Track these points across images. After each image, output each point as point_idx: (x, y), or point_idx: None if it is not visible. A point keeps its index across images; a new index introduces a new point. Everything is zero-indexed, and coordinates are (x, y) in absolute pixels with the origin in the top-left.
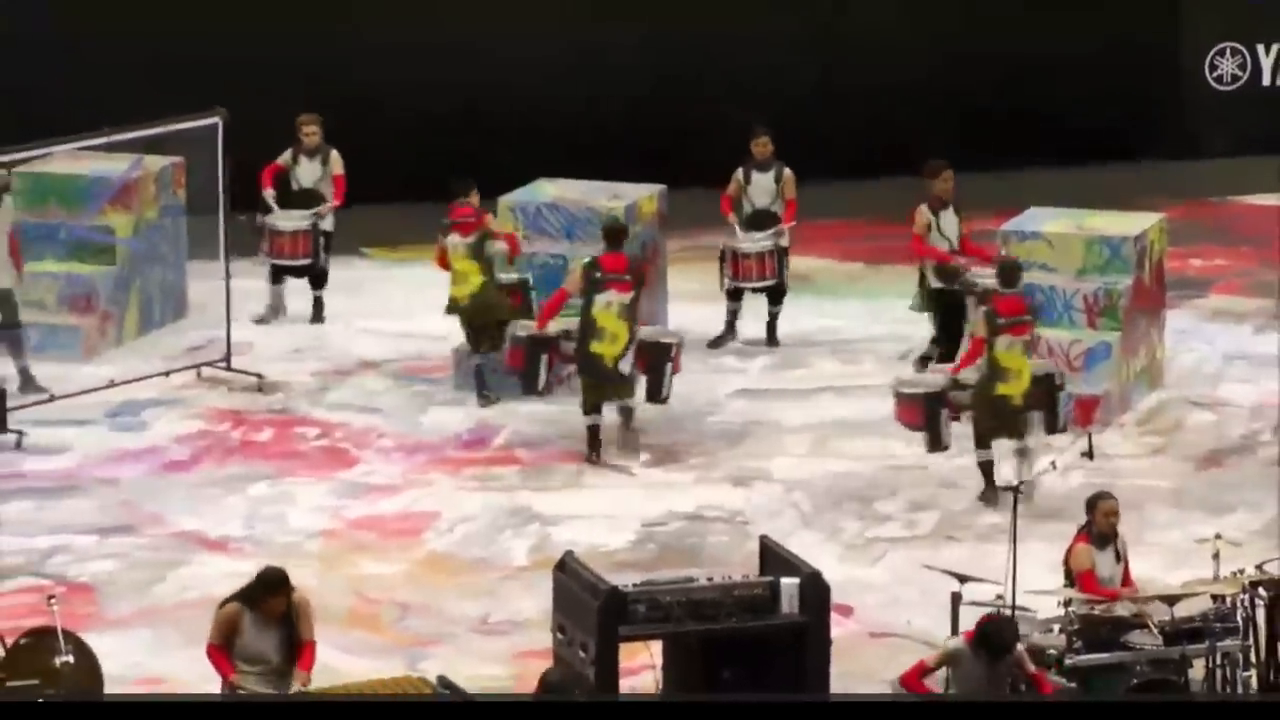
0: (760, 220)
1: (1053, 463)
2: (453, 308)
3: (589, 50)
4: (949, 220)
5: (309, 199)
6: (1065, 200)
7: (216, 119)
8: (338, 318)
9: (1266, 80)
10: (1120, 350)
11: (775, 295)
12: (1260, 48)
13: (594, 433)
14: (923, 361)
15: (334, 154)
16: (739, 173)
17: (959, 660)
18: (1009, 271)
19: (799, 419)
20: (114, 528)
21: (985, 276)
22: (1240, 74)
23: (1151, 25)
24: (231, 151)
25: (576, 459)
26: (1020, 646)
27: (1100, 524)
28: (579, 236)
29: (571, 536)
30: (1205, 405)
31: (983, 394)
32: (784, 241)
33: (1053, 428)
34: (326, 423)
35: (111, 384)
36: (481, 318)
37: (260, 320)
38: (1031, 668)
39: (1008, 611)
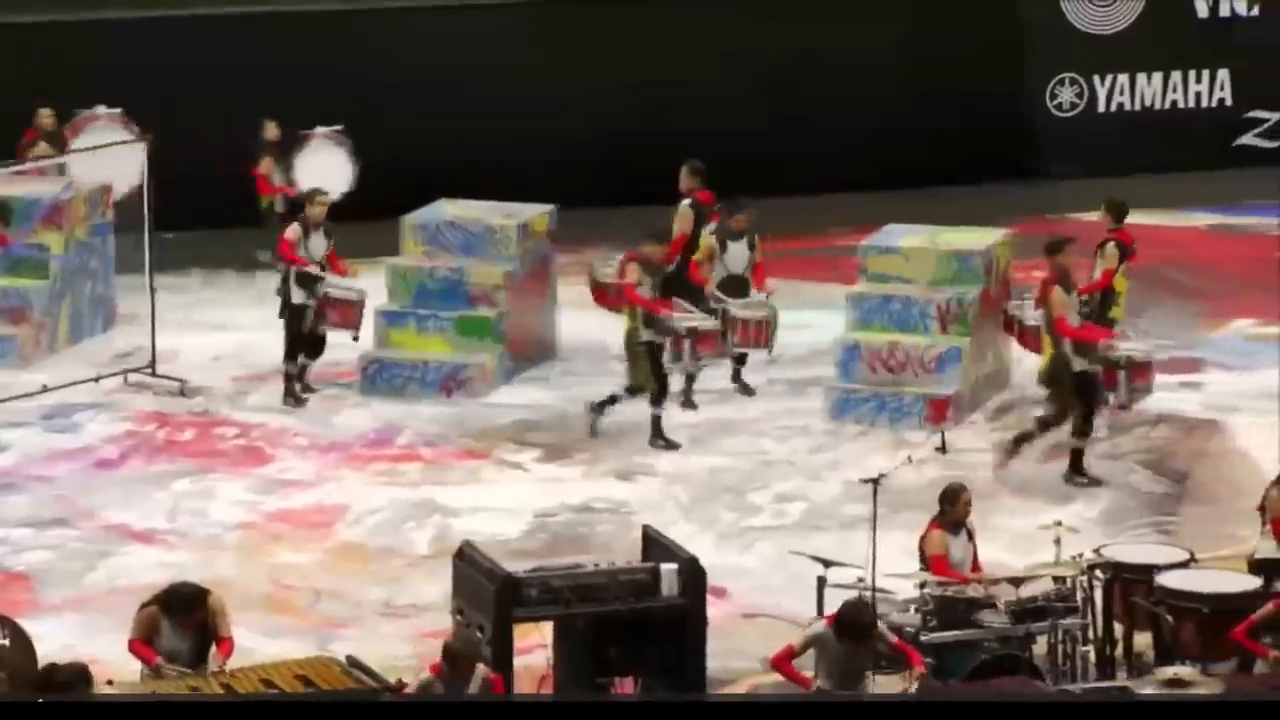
0: (736, 286)
1: (909, 457)
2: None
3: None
4: (1075, 296)
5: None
6: (923, 218)
7: (142, 142)
8: (255, 327)
9: (1102, 108)
10: (970, 354)
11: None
12: (1096, 78)
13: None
14: (1016, 443)
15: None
16: (713, 240)
17: (823, 643)
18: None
19: (679, 419)
20: (49, 521)
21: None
22: (1078, 102)
23: (998, 59)
24: (155, 173)
25: (474, 456)
26: (880, 625)
27: (957, 513)
28: (476, 252)
29: (470, 527)
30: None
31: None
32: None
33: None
34: (245, 424)
35: (45, 389)
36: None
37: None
38: (894, 639)
39: (867, 594)
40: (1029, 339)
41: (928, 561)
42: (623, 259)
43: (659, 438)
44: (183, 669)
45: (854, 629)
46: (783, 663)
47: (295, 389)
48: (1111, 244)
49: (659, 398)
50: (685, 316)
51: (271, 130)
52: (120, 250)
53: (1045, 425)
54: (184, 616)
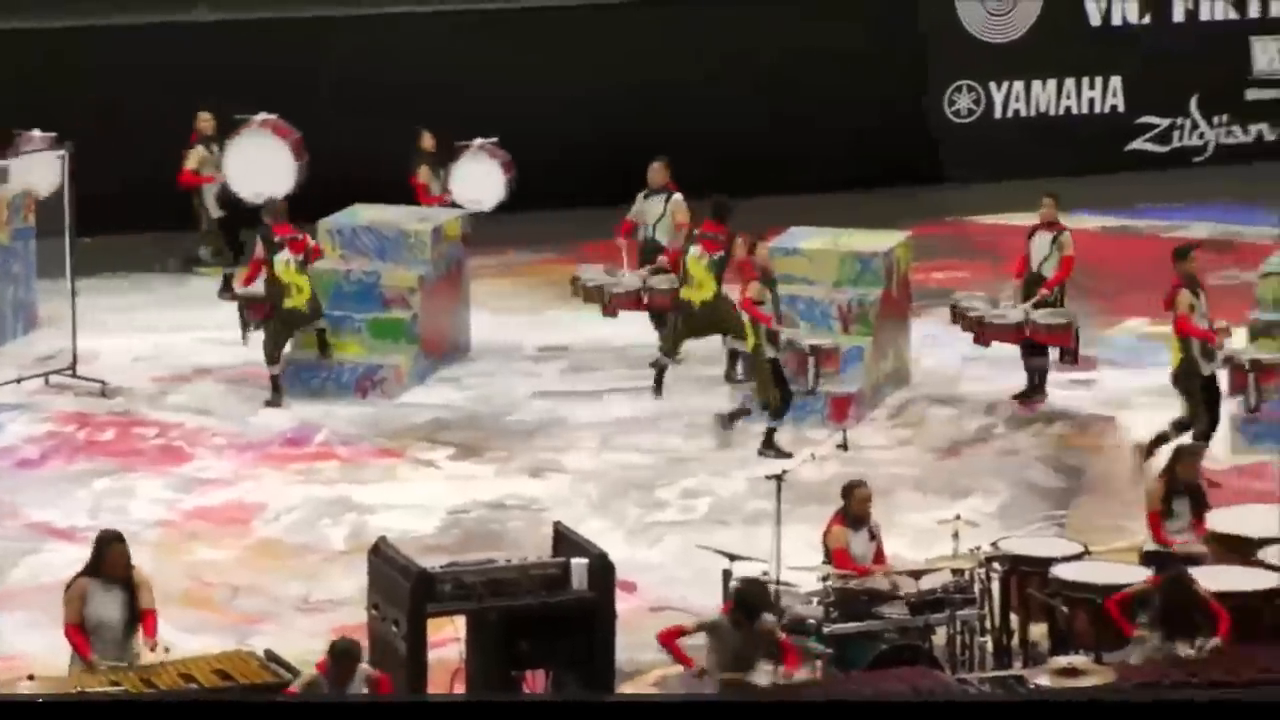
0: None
1: (812, 454)
2: (292, 317)
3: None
4: (1204, 299)
5: None
6: (827, 221)
7: (63, 151)
8: (174, 329)
9: (998, 114)
10: (871, 353)
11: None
12: (992, 85)
13: (662, 371)
14: (1153, 445)
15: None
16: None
17: (717, 630)
18: None
19: (588, 417)
20: None
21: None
22: (975, 108)
23: (898, 66)
24: (75, 180)
25: (389, 454)
26: (770, 616)
27: (855, 509)
28: (390, 256)
29: (385, 523)
30: (946, 402)
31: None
32: None
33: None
34: (164, 423)
35: None
36: (316, 322)
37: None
38: (781, 636)
39: (769, 583)
40: (988, 335)
41: (830, 555)
42: (746, 270)
43: (770, 448)
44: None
45: (748, 605)
46: (670, 639)
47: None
48: (1068, 233)
49: (780, 412)
50: (801, 334)
51: (427, 140)
52: (41, 255)
53: (1180, 427)
54: (107, 559)
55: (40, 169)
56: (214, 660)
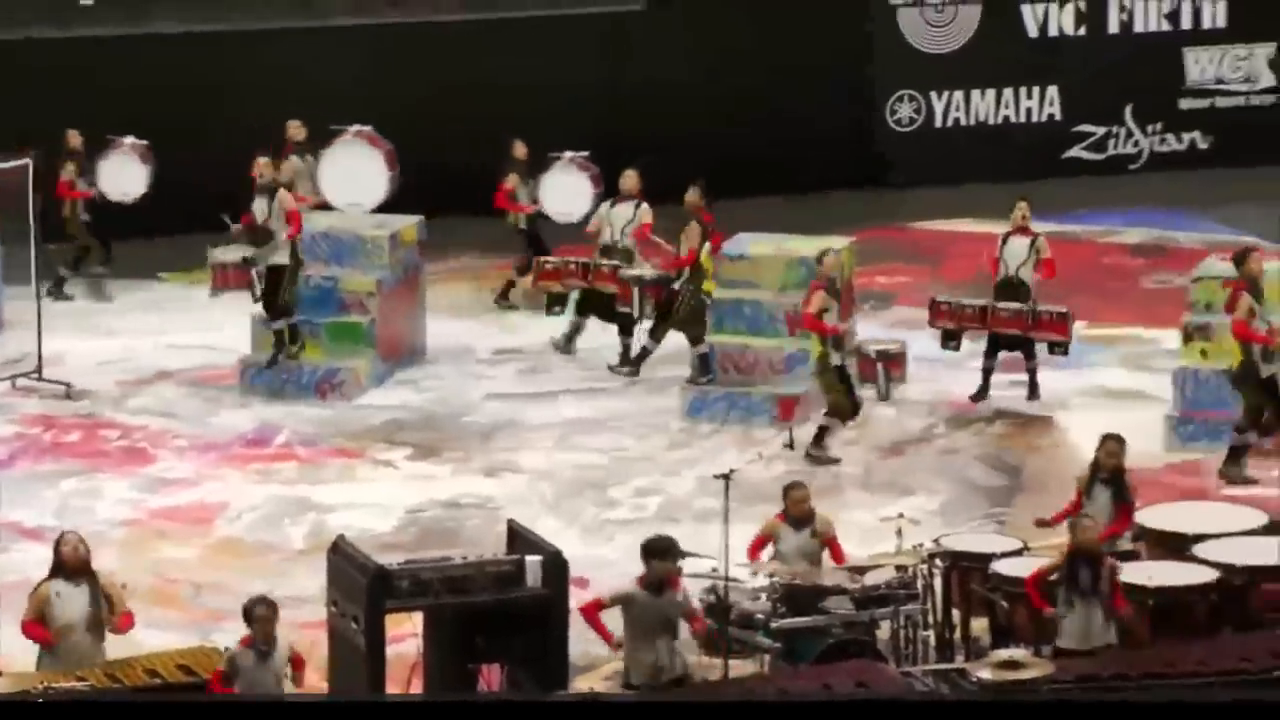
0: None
1: (759, 453)
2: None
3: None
4: (1263, 304)
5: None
6: (774, 225)
7: (27, 161)
8: (138, 334)
9: (939, 123)
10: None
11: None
12: (933, 94)
13: (705, 359)
14: (1234, 455)
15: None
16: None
17: (631, 601)
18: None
19: (542, 418)
20: None
21: None
22: (916, 117)
23: (844, 76)
24: (39, 189)
25: (348, 455)
26: (686, 590)
27: (792, 509)
28: (348, 262)
29: (344, 522)
30: (890, 402)
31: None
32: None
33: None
34: (128, 425)
35: None
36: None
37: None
38: (696, 608)
39: (720, 583)
40: (995, 322)
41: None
42: (812, 284)
43: (818, 448)
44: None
45: (655, 548)
46: (590, 612)
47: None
48: (694, 222)
49: (850, 417)
50: (872, 341)
51: (519, 149)
52: (8, 262)
53: (1242, 429)
54: (65, 556)
55: (129, 172)
56: (178, 656)
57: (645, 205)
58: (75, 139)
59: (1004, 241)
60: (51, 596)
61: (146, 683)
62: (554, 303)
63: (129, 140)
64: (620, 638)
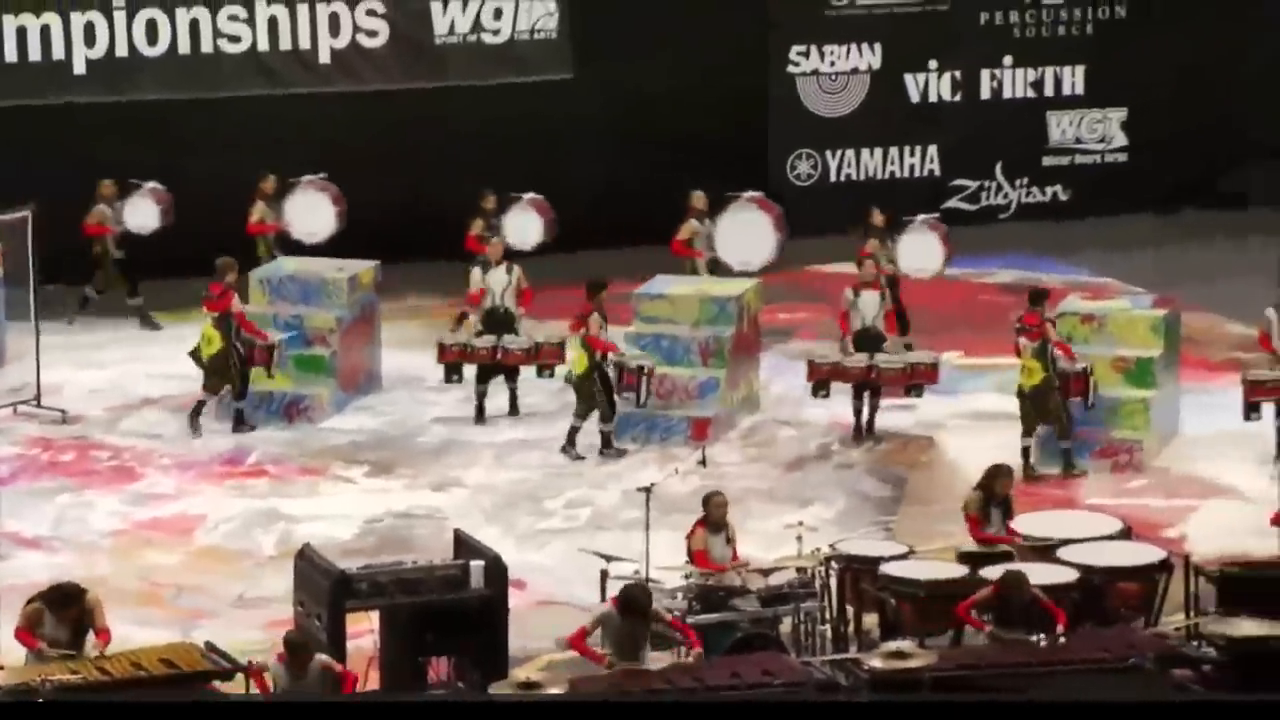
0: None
1: (676, 469)
2: (198, 361)
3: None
4: None
5: None
6: (689, 269)
7: (26, 212)
8: (126, 364)
9: (833, 178)
10: (726, 383)
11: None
12: (828, 152)
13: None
14: None
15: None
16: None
17: (608, 622)
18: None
19: (483, 439)
20: None
21: None
22: (813, 173)
23: (747, 137)
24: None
25: (312, 472)
26: (656, 606)
27: (713, 514)
28: (312, 301)
29: (309, 531)
30: (791, 424)
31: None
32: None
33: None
34: (117, 446)
35: None
36: (218, 373)
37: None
38: (669, 617)
39: (644, 581)
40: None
41: (692, 556)
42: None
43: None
44: (63, 651)
45: (634, 607)
46: (578, 642)
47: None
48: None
49: (610, 418)
50: (633, 355)
51: (489, 200)
52: (10, 300)
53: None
54: (63, 610)
55: (314, 209)
56: (161, 651)
57: (517, 268)
58: (109, 188)
59: (855, 295)
60: (44, 618)
61: (133, 675)
62: (452, 372)
63: (149, 185)
64: (611, 658)
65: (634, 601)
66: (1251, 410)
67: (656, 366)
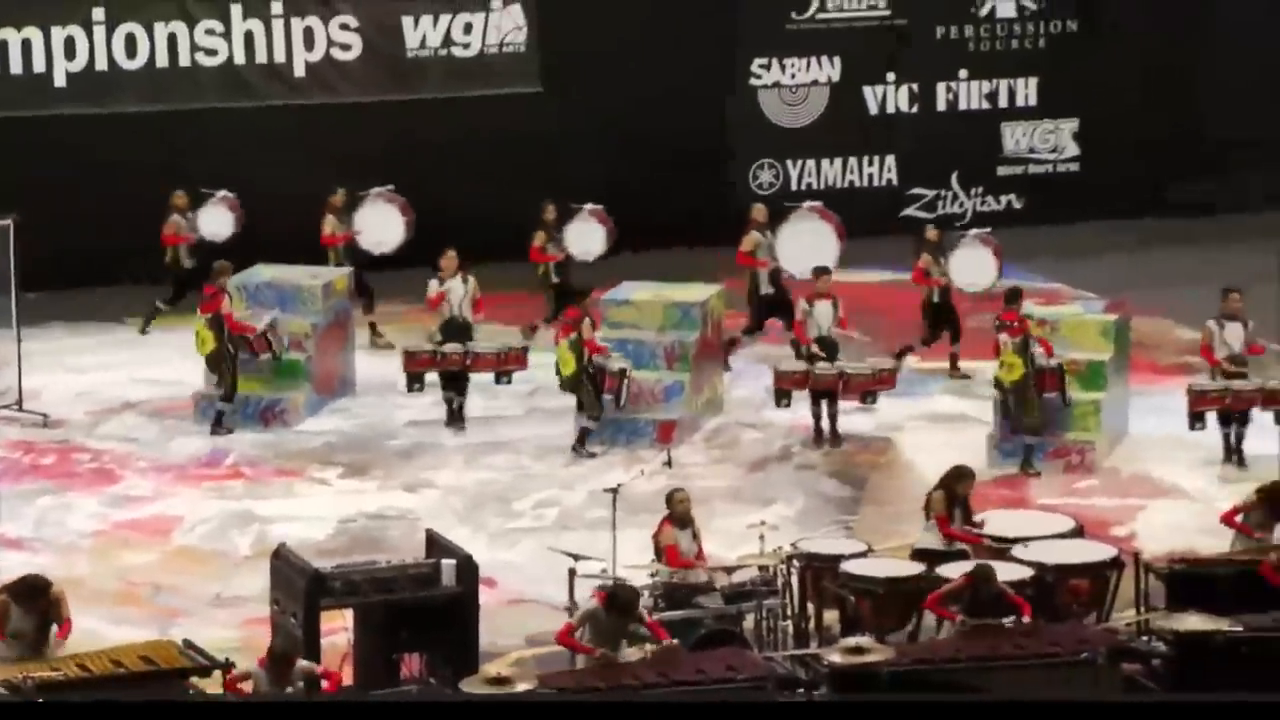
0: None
1: (642, 470)
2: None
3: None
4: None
5: None
6: (656, 275)
7: (8, 223)
8: (105, 370)
9: (794, 187)
10: (690, 387)
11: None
12: (789, 162)
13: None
14: None
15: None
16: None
17: (594, 618)
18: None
19: (454, 441)
20: None
21: None
22: (775, 182)
23: (711, 147)
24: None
25: (288, 474)
26: (643, 611)
27: (677, 510)
28: (288, 308)
29: (284, 532)
30: (753, 426)
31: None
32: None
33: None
34: (97, 450)
35: None
36: (215, 370)
37: None
38: (648, 618)
39: (615, 580)
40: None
41: (663, 552)
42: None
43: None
44: (24, 645)
45: (620, 603)
46: (566, 637)
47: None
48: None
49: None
50: (615, 358)
51: (550, 211)
52: None
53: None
54: (30, 603)
55: (385, 220)
56: (140, 648)
57: (472, 278)
58: (181, 199)
59: (810, 305)
60: (10, 610)
61: (112, 671)
62: (414, 381)
63: (220, 193)
64: (602, 651)
65: (621, 599)
66: (1196, 420)
67: (632, 370)
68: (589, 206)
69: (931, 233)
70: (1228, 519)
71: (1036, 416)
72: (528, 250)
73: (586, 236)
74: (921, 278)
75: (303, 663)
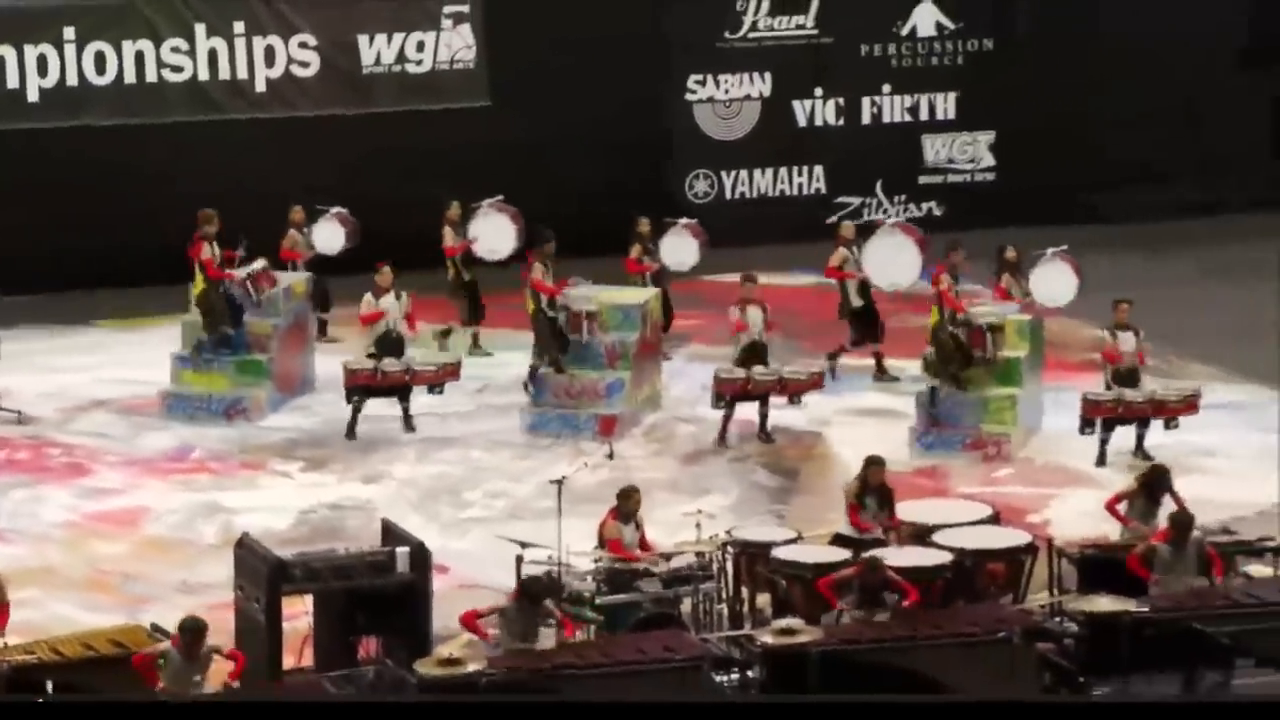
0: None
1: (585, 462)
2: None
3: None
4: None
5: None
6: (599, 278)
7: None
8: (76, 370)
9: (728, 195)
10: (631, 384)
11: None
12: (723, 172)
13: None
14: None
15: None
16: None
17: (505, 613)
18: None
19: (408, 436)
20: None
21: None
22: (710, 191)
23: (650, 158)
24: None
25: (251, 467)
26: (550, 602)
27: (628, 507)
28: (250, 310)
29: (248, 522)
30: (689, 421)
31: None
32: None
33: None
34: (69, 445)
35: None
36: (205, 313)
37: None
38: (559, 614)
39: (553, 569)
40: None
41: (606, 543)
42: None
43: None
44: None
45: (531, 593)
46: (469, 620)
47: None
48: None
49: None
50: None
51: (454, 209)
52: None
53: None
54: None
55: (498, 229)
56: (110, 632)
57: (405, 294)
58: (299, 214)
59: (742, 311)
60: None
61: (84, 654)
62: (353, 394)
63: (334, 209)
64: (495, 639)
65: (529, 590)
66: (1086, 425)
67: (601, 313)
68: (684, 221)
69: (1011, 252)
70: (1110, 507)
71: (954, 366)
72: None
73: (681, 249)
74: (836, 273)
75: (211, 643)
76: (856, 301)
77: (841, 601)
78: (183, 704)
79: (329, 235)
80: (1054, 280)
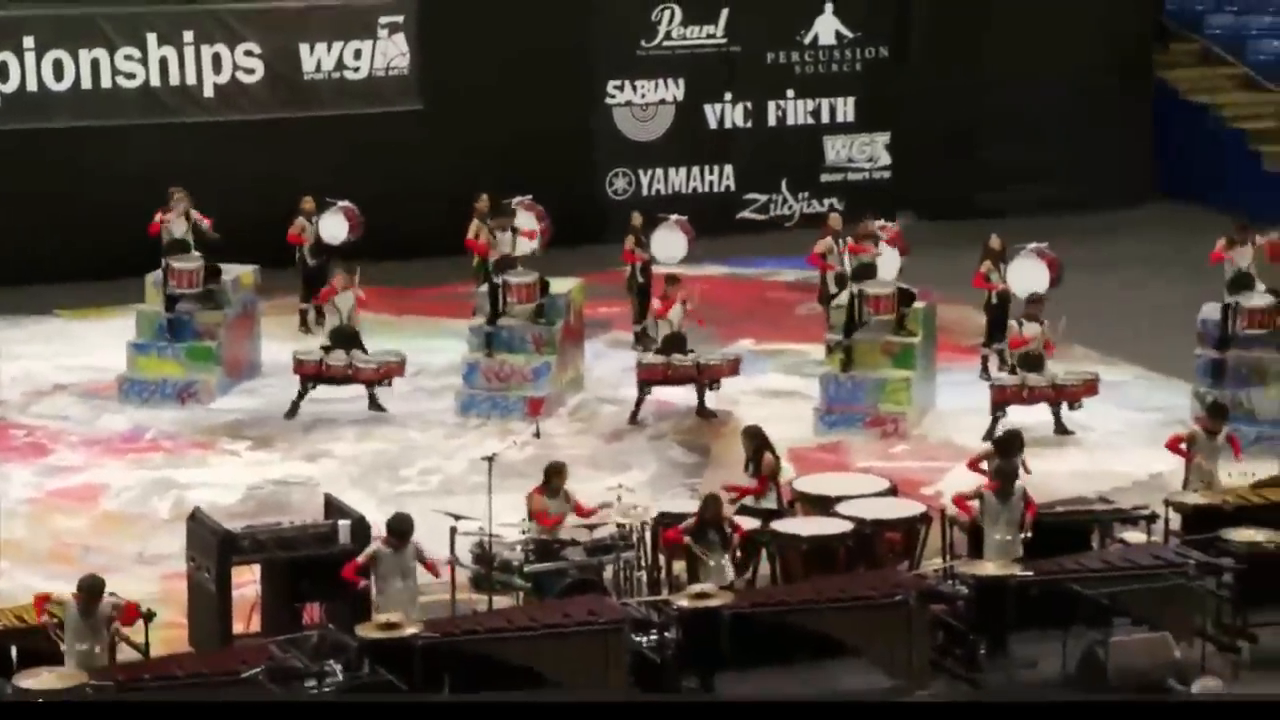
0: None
1: (514, 440)
2: None
3: None
4: None
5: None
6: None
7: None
8: (38, 357)
9: (645, 193)
10: (557, 368)
11: None
12: (640, 171)
13: None
14: None
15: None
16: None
17: (379, 558)
18: None
19: (349, 416)
20: None
21: None
22: (628, 188)
23: (573, 158)
24: None
25: (202, 446)
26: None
27: (555, 482)
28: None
29: (199, 497)
30: (610, 401)
31: None
32: None
33: None
34: (31, 426)
35: None
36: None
37: None
38: (428, 559)
39: (484, 539)
40: (707, 374)
41: (534, 515)
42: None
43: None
44: None
45: (399, 532)
46: (349, 573)
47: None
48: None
49: None
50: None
51: (483, 202)
52: None
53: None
54: None
55: (528, 225)
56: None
57: (359, 293)
58: (309, 204)
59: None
60: None
61: (45, 622)
62: (306, 382)
63: (341, 203)
64: (380, 584)
65: (397, 527)
66: (997, 408)
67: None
68: (674, 216)
69: (995, 241)
70: (972, 465)
71: (851, 324)
72: (414, 249)
73: (670, 242)
74: (819, 261)
75: (109, 597)
76: (834, 290)
77: (696, 546)
78: (184, 704)
79: (334, 227)
80: (1028, 273)
